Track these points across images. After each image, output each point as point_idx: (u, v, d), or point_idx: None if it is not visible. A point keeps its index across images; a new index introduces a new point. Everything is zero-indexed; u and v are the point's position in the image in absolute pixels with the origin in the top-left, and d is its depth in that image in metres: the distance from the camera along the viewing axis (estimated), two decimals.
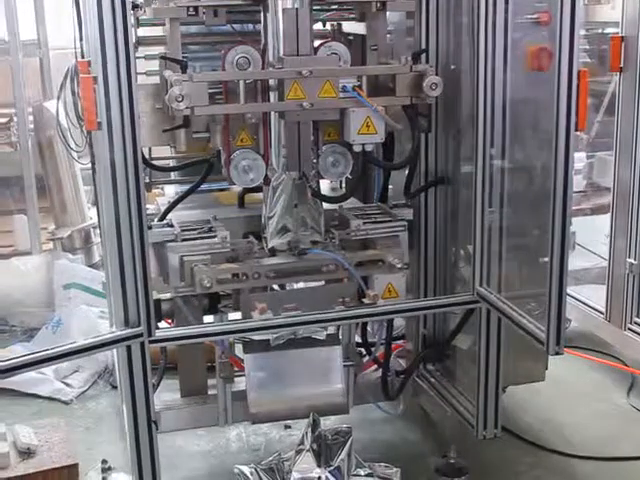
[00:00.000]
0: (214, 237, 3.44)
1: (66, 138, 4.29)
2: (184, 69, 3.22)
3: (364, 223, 3.59)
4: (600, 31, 4.88)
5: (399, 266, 3.49)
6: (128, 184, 3.03)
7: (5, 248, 6.12)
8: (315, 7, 3.48)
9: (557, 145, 2.85)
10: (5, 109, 6.06)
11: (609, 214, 4.53)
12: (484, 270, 3.46)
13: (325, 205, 3.63)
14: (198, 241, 3.44)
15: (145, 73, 3.69)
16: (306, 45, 3.28)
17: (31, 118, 5.90)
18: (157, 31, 3.72)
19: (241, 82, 3.25)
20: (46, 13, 6.33)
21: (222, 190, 4.06)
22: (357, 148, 3.40)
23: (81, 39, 3.70)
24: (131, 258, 3.10)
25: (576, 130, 2.83)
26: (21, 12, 5.81)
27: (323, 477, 3.24)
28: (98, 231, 5.21)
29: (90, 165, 4.09)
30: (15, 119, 5.80)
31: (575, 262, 5.08)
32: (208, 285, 3.30)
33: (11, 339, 5.20)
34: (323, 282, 3.63)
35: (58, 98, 4.27)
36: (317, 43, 3.50)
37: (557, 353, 3.00)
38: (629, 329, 4.42)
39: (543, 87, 3.09)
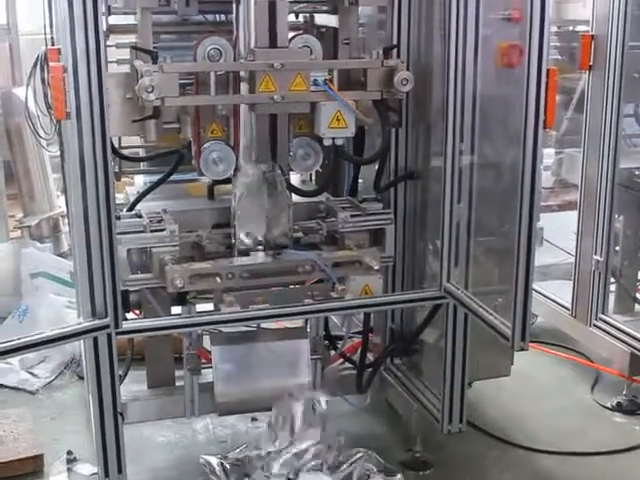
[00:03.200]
0: (163, 230, 3.41)
1: (35, 126, 4.24)
2: (155, 60, 3.21)
3: (351, 216, 3.60)
4: (571, 29, 4.91)
5: (376, 267, 3.50)
6: (97, 174, 3.02)
7: None
8: None
9: (525, 143, 2.88)
10: None
11: (576, 211, 4.57)
12: (451, 266, 3.48)
13: (305, 198, 3.65)
14: (147, 234, 3.40)
15: (116, 62, 3.67)
16: (278, 38, 3.28)
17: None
18: (129, 19, 3.69)
19: (212, 73, 3.25)
20: None
21: (191, 180, 4.05)
22: (327, 142, 3.41)
23: (51, 26, 3.67)
24: (99, 249, 3.09)
25: (544, 128, 2.85)
26: None
27: None
28: (67, 220, 5.17)
29: (59, 153, 4.05)
30: None
31: (543, 258, 5.14)
32: (180, 285, 3.28)
33: None
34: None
35: (27, 85, 4.22)
36: (289, 35, 3.51)
37: (522, 349, 3.03)
38: (594, 325, 4.48)
39: (513, 84, 3.11)
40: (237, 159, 3.46)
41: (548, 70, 2.82)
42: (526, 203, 2.93)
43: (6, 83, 6.05)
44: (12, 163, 5.87)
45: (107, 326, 3.14)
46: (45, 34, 3.75)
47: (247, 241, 3.51)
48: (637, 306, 4.76)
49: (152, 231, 3.41)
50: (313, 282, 3.55)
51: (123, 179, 4.26)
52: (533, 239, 2.94)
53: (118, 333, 3.20)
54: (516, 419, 4.28)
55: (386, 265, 3.75)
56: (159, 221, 3.47)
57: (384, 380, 4.11)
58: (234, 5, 3.40)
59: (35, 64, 4.03)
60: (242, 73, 3.31)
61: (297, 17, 4.07)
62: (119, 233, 3.30)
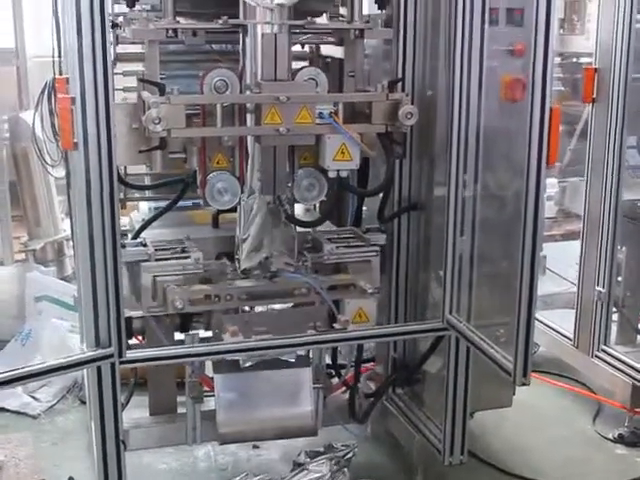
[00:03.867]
0: (188, 258, 3.46)
1: (41, 152, 4.28)
2: (162, 91, 3.24)
3: (337, 247, 3.62)
4: (575, 60, 4.94)
5: (370, 291, 3.53)
6: (103, 203, 3.05)
7: None
8: (294, 31, 3.50)
9: (528, 181, 2.90)
10: None
11: (579, 240, 4.59)
12: (454, 298, 3.50)
13: (299, 228, 3.66)
14: (172, 261, 3.46)
15: (123, 89, 3.71)
16: (284, 70, 3.32)
17: (7, 127, 5.87)
18: (136, 48, 3.73)
19: (218, 105, 3.27)
20: (25, 20, 6.29)
21: (196, 206, 4.07)
22: (332, 174, 3.43)
23: (59, 52, 3.70)
24: (104, 278, 3.11)
25: (547, 165, 2.87)
26: None
27: None
28: (71, 243, 5.20)
29: (65, 177, 4.08)
30: None
31: (545, 287, 5.16)
32: (180, 306, 3.32)
33: None
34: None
35: (35, 113, 4.27)
36: (295, 65, 3.55)
37: (523, 384, 3.04)
38: (596, 356, 4.48)
39: (516, 117, 3.14)
40: (242, 189, 3.49)
41: (551, 109, 2.84)
42: (529, 241, 2.96)
43: (13, 107, 6.07)
44: (18, 187, 5.90)
45: (111, 355, 3.16)
46: (53, 62, 3.79)
47: (250, 269, 3.53)
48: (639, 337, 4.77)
49: (177, 258, 3.46)
50: (308, 304, 3.57)
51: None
52: (535, 278, 2.96)
53: (122, 362, 3.21)
54: (518, 450, 4.27)
55: (385, 295, 3.77)
56: (163, 250, 3.51)
57: (386, 410, 4.11)
58: (241, 37, 3.44)
59: (43, 91, 4.09)
60: (248, 105, 3.34)
61: (303, 47, 4.11)
62: (143, 261, 3.40)
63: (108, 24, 3.01)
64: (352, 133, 3.35)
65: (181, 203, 3.75)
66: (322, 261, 3.61)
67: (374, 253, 3.67)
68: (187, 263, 3.45)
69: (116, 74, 3.68)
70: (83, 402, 4.58)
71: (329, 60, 4.01)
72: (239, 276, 3.53)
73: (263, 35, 3.30)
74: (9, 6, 6.16)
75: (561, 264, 5.26)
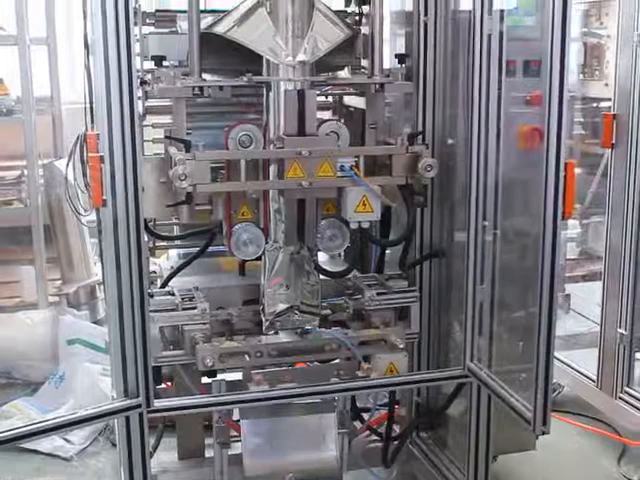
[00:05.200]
0: (194, 308, 3.47)
1: (73, 201, 4.35)
2: (188, 148, 3.29)
3: (378, 294, 3.65)
4: (595, 105, 4.96)
5: (401, 346, 3.54)
6: (130, 258, 3.08)
7: (12, 299, 6.16)
8: (316, 85, 3.55)
9: (544, 232, 2.91)
10: (17, 161, 6.11)
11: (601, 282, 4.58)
12: (475, 346, 3.50)
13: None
14: (179, 312, 3.47)
15: (152, 141, 3.77)
16: (307, 125, 3.36)
17: (41, 172, 5.97)
18: (165, 100, 3.80)
19: (242, 160, 3.33)
20: (60, 67, 6.40)
21: (223, 253, 4.12)
22: (354, 225, 3.47)
23: (92, 109, 3.77)
24: (132, 330, 3.14)
25: (563, 218, 2.89)
26: (35, 67, 5.91)
27: None
28: (103, 287, 5.26)
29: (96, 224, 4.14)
30: (26, 172, 5.88)
31: (569, 326, 5.15)
32: (210, 364, 3.35)
33: (15, 393, 5.21)
34: None
35: (68, 162, 4.35)
36: (319, 114, 3.59)
37: (543, 433, 3.04)
38: (620, 398, 4.45)
39: (533, 166, 3.15)
40: (266, 240, 3.53)
41: (566, 164, 2.86)
42: (546, 294, 2.96)
43: (48, 155, 6.17)
44: (52, 231, 5.98)
45: (139, 406, 3.19)
46: (85, 115, 3.86)
47: (276, 319, 3.56)
48: None
49: (184, 309, 3.47)
50: (340, 359, 3.58)
51: None
52: (552, 330, 2.96)
53: (149, 411, 3.24)
54: None
55: (411, 342, 3.78)
56: (190, 299, 3.55)
57: (410, 453, 4.11)
58: (264, 92, 3.50)
59: (75, 143, 4.16)
60: (271, 159, 3.39)
61: (327, 97, 4.17)
62: (152, 311, 3.36)
63: (136, 82, 3.07)
64: (373, 185, 3.39)
65: (212, 248, 3.80)
66: (364, 307, 3.62)
67: (414, 299, 3.69)
68: (193, 314, 3.46)
69: (145, 126, 3.78)
70: (114, 444, 4.61)
71: (352, 109, 4.06)
72: (266, 326, 3.55)
73: (285, 91, 3.36)
74: (45, 55, 6.28)
75: (585, 303, 5.24)
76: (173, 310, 3.48)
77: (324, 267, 3.69)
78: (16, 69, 5.77)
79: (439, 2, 3.64)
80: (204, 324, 3.45)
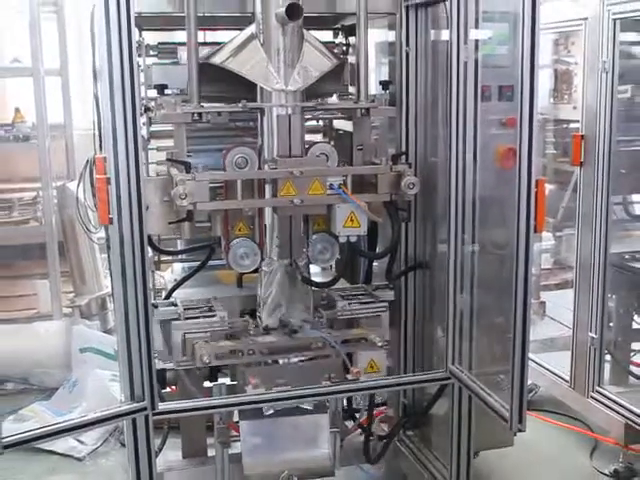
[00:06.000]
0: (214, 316, 3.49)
1: (84, 221, 4.34)
2: (188, 169, 3.29)
3: (349, 304, 3.64)
4: (565, 126, 4.96)
5: (380, 344, 3.53)
6: (135, 272, 3.09)
7: (29, 311, 6.14)
8: (307, 110, 3.55)
9: (518, 247, 2.91)
10: (33, 183, 6.11)
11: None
12: (456, 350, 3.49)
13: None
14: (200, 319, 3.48)
15: (156, 163, 3.78)
16: (298, 147, 3.36)
17: (55, 193, 5.96)
18: (167, 126, 3.79)
19: (239, 180, 3.32)
20: (73, 96, 6.41)
21: (223, 266, 4.11)
22: (342, 239, 3.46)
23: (100, 134, 3.77)
24: (137, 338, 3.14)
25: (535, 232, 2.88)
26: (49, 97, 5.91)
27: None
28: (112, 299, 5.25)
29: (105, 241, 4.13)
30: (41, 194, 5.88)
31: (544, 331, 5.15)
32: (207, 361, 3.34)
33: (32, 397, 5.19)
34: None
35: (78, 184, 4.34)
36: (310, 137, 3.58)
37: (520, 430, 3.03)
38: (591, 397, 4.44)
39: (509, 183, 3.14)
40: (262, 254, 3.52)
41: (537, 181, 2.86)
42: (520, 303, 2.96)
43: (62, 174, 6.17)
44: (65, 247, 5.98)
45: (144, 409, 3.18)
46: (94, 141, 3.86)
47: (270, 326, 3.55)
48: (631, 378, 4.72)
49: (205, 317, 3.49)
50: (324, 357, 3.57)
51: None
52: (527, 337, 2.95)
53: (155, 414, 3.22)
54: None
55: (395, 345, 3.78)
56: (210, 308, 3.55)
57: (398, 450, 4.09)
58: (259, 117, 3.49)
59: (85, 167, 4.15)
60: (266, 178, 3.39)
61: (318, 121, 4.17)
62: (172, 319, 3.43)
63: (139, 110, 3.07)
64: (360, 202, 3.38)
65: (212, 262, 3.79)
66: (336, 317, 3.62)
67: (383, 309, 3.68)
68: (214, 321, 3.47)
69: (150, 149, 3.78)
70: (123, 445, 4.58)
71: (341, 132, 4.06)
72: (261, 332, 3.54)
73: (278, 116, 3.35)
74: (58, 85, 6.29)
75: (559, 310, 5.23)
76: (177, 319, 3.47)
77: (312, 279, 3.68)
78: (31, 98, 5.77)
79: (420, 34, 3.66)
80: (222, 330, 3.47)
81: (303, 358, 3.56)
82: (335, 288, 3.76)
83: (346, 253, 3.64)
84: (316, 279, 3.72)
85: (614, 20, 4.02)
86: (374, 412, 4.06)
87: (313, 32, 3.54)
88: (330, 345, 3.50)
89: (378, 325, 3.65)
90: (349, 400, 4.07)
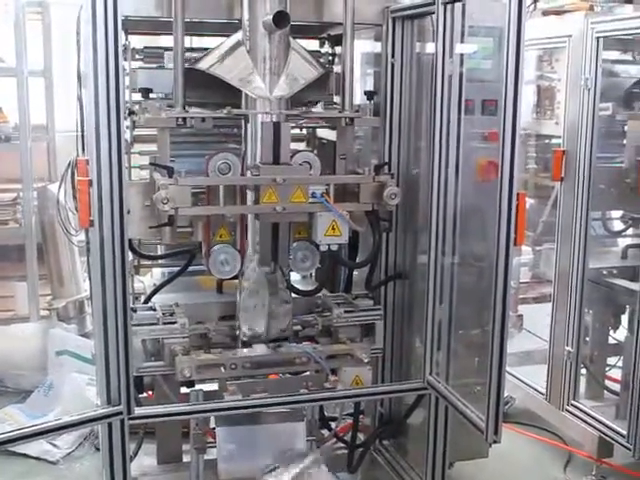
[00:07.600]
0: (174, 323, 3.46)
1: (65, 223, 4.32)
2: (170, 174, 3.28)
3: (345, 311, 3.64)
4: (547, 142, 5.00)
5: (366, 360, 3.53)
6: (115, 275, 3.07)
7: (6, 313, 6.09)
8: (291, 118, 3.55)
9: (498, 259, 2.92)
10: (14, 184, 6.06)
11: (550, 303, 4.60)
12: (434, 360, 3.50)
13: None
14: (160, 326, 3.46)
15: (139, 167, 3.76)
16: (282, 155, 3.35)
17: (35, 195, 5.91)
18: (152, 130, 3.78)
19: (221, 186, 3.32)
20: (56, 97, 6.37)
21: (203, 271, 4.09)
22: (324, 248, 3.46)
23: (82, 136, 3.75)
24: (115, 342, 3.12)
25: (515, 244, 2.90)
26: (32, 97, 5.87)
27: None
28: (90, 302, 5.21)
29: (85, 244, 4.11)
30: (21, 195, 5.83)
31: (521, 344, 5.16)
32: (188, 375, 3.33)
33: (6, 400, 5.14)
34: None
35: (59, 186, 4.32)
36: (294, 145, 3.58)
37: (495, 441, 3.03)
38: (567, 410, 4.47)
39: (489, 196, 3.16)
40: (242, 260, 3.51)
41: (517, 194, 2.87)
42: (498, 315, 2.96)
43: (42, 179, 6.12)
44: (44, 249, 5.93)
45: (120, 413, 3.16)
46: (77, 143, 3.84)
47: (250, 334, 3.55)
48: (606, 393, 4.75)
49: (164, 324, 3.45)
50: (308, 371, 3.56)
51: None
52: (504, 350, 2.96)
53: (130, 418, 3.20)
54: None
55: (376, 356, 3.77)
56: (171, 314, 3.52)
57: (374, 460, 4.09)
58: (243, 123, 3.49)
59: (67, 169, 4.13)
60: (248, 185, 3.38)
61: (301, 130, 4.17)
62: (135, 325, 3.35)
63: (123, 113, 3.06)
64: (342, 211, 3.38)
65: (192, 268, 3.78)
66: (332, 324, 3.63)
67: (378, 317, 3.70)
68: (174, 328, 3.44)
69: (133, 153, 3.76)
70: (98, 449, 4.55)
71: (324, 141, 4.07)
72: (242, 342, 3.53)
73: (262, 123, 3.35)
74: (42, 86, 6.25)
75: (537, 323, 5.25)
76: (155, 324, 3.45)
77: (296, 286, 3.67)
78: (14, 99, 5.73)
79: (405, 45, 3.68)
80: (183, 337, 3.43)
81: (287, 372, 3.56)
82: (317, 297, 3.77)
83: (327, 262, 3.65)
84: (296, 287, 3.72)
85: (597, 38, 4.06)
86: (359, 421, 4.03)
87: (300, 41, 3.55)
88: (315, 361, 3.49)
89: (358, 339, 3.66)
90: (321, 408, 4.05)
